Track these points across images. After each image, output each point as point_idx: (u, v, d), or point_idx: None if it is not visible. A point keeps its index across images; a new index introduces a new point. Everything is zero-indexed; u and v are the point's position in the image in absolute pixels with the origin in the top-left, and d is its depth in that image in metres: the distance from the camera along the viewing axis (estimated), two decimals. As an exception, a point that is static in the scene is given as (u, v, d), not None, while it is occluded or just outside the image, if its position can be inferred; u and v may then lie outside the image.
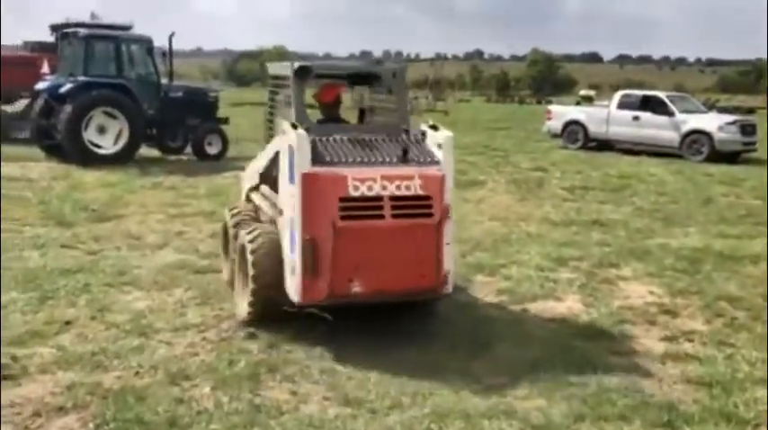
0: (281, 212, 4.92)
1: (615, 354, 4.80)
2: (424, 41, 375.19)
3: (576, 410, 3.89)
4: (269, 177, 5.57)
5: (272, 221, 5.19)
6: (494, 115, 37.35)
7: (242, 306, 5.07)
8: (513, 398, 4.07)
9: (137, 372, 4.21)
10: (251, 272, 4.86)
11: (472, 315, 5.49)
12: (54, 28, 16.92)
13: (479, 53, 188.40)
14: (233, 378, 4.15)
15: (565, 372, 4.40)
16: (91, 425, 3.57)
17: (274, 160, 5.26)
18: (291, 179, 4.63)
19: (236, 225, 5.53)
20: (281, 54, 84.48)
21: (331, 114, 5.73)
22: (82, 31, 14.29)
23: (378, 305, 4.90)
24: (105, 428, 3.55)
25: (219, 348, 4.65)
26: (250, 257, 4.88)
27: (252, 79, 76.80)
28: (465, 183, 12.21)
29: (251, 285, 4.87)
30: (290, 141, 4.64)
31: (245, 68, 78.32)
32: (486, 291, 6.18)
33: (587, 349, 4.83)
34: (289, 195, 4.71)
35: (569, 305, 5.87)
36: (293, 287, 4.61)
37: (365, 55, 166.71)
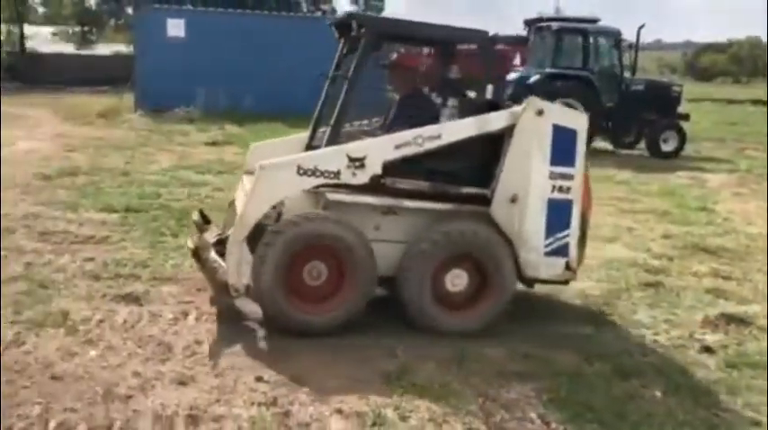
0: (514, 198, 4.51)
1: None
2: None
3: None
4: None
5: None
6: None
7: None
8: None
9: (586, 358, 4.30)
10: None
11: None
12: (527, 22, 18.20)
13: None
14: (687, 389, 3.94)
15: None
16: (544, 398, 3.78)
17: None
18: (564, 161, 4.57)
19: None
20: (753, 45, 75.74)
21: (415, 83, 5.10)
22: (554, 24, 15.06)
23: None
24: (556, 405, 3.72)
25: (671, 353, 4.46)
26: None
27: (715, 74, 70.50)
28: None
29: None
30: (568, 121, 4.61)
31: (708, 61, 72.51)
32: None
33: None
34: (553, 177, 4.56)
35: None
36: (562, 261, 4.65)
37: None
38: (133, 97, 18.90)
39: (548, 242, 4.59)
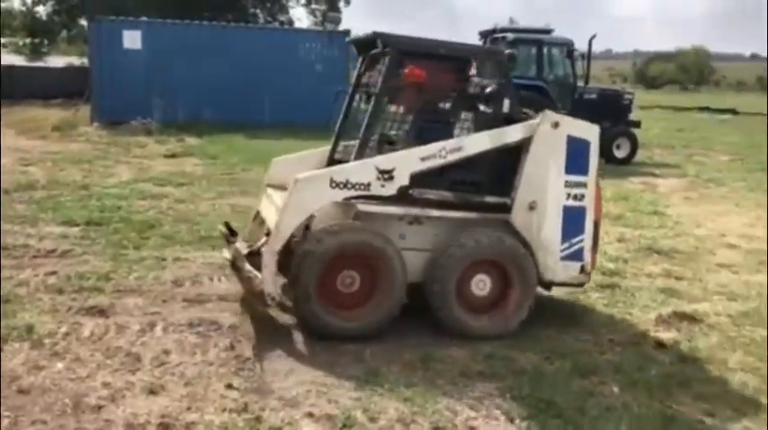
0: (532, 206, 4.75)
1: None
2: None
3: None
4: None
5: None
6: None
7: None
8: None
9: (547, 358, 4.46)
10: None
11: None
12: (483, 34, 18.52)
13: None
14: (643, 384, 4.12)
15: None
16: (508, 396, 3.91)
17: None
18: (578, 170, 4.79)
19: None
20: (699, 54, 78.22)
21: (422, 98, 5.03)
22: (510, 35, 15.39)
23: None
24: (519, 402, 3.85)
25: (627, 352, 4.65)
26: None
27: (664, 82, 72.69)
28: None
29: None
30: (582, 132, 4.81)
31: (656, 70, 74.64)
32: None
33: None
34: (568, 186, 4.79)
35: None
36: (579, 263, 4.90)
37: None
38: (89, 110, 18.63)
39: (564, 247, 4.87)
